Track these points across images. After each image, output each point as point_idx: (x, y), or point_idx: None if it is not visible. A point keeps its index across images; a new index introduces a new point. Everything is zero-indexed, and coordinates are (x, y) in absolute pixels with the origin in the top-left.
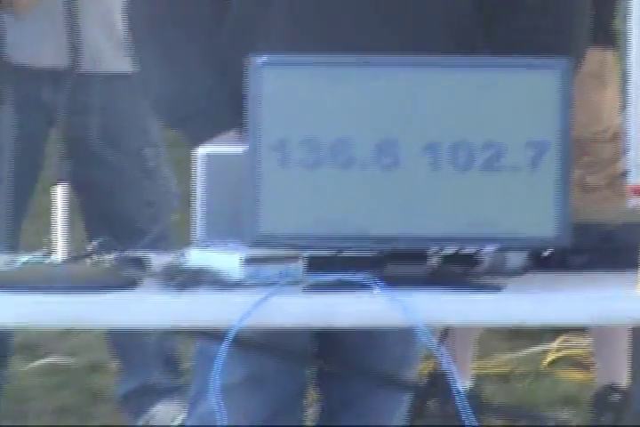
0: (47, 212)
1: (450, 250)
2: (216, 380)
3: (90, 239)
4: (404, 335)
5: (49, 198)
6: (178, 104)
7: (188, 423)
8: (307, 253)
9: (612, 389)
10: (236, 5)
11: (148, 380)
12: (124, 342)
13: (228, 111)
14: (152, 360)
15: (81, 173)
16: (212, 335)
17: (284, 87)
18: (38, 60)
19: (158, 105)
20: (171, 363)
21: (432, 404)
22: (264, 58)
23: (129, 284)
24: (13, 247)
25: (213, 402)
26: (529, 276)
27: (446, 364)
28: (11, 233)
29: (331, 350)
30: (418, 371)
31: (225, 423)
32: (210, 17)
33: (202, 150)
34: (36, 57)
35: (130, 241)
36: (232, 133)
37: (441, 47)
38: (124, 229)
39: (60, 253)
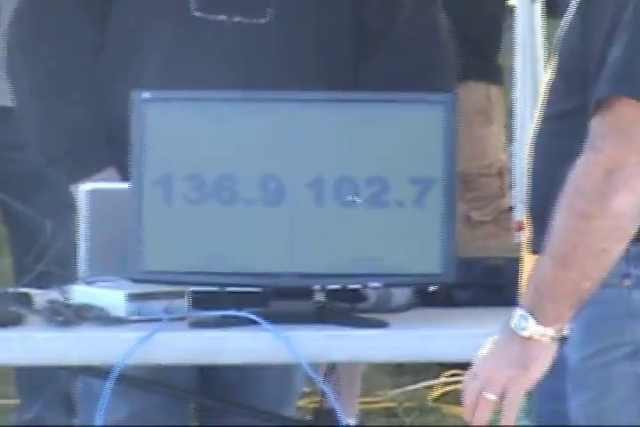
0: None
1: (335, 286)
2: (100, 417)
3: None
4: (284, 372)
5: None
6: (54, 141)
7: None
8: (191, 289)
9: None
10: (112, 40)
11: (40, 415)
12: (25, 376)
13: (107, 148)
14: (49, 396)
15: None
16: (97, 372)
17: (168, 123)
18: None
19: (36, 142)
20: (66, 400)
21: None
22: (147, 93)
23: (13, 320)
24: None
25: None
26: (414, 312)
27: (332, 400)
28: None
29: (212, 386)
30: (294, 407)
31: None
32: (90, 50)
33: (85, 186)
34: None
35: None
36: (110, 171)
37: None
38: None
39: None
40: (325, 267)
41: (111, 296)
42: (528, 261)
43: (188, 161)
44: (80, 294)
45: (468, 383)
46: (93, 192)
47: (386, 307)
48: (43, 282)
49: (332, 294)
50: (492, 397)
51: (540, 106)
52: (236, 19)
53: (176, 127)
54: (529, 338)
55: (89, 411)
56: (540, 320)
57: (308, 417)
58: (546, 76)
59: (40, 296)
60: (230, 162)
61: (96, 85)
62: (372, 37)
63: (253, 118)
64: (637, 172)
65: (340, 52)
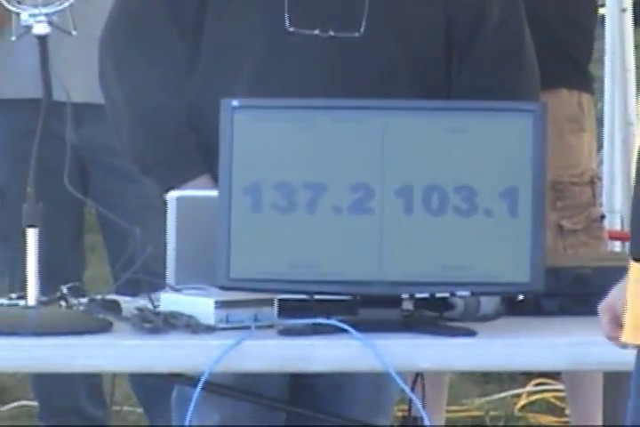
0: None
1: (423, 294)
2: (190, 423)
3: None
4: (376, 380)
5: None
6: (148, 150)
7: None
8: (280, 297)
9: None
10: (205, 52)
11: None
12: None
13: (199, 157)
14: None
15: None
16: (186, 379)
17: (256, 131)
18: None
19: (129, 151)
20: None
21: None
22: (236, 102)
23: (102, 328)
24: None
25: None
26: (502, 320)
27: (419, 408)
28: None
29: (303, 395)
30: (390, 416)
31: None
32: (182, 62)
33: (173, 194)
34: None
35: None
36: (204, 179)
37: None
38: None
39: (31, 296)
40: (414, 275)
41: (200, 304)
42: (633, 270)
43: (277, 169)
44: (169, 301)
45: None
46: (182, 199)
47: (473, 316)
48: (133, 289)
49: (420, 303)
50: None
51: None
52: (330, 33)
53: (265, 135)
54: None
55: (182, 417)
56: None
57: (396, 425)
58: None
59: (129, 304)
60: (319, 170)
61: (188, 96)
62: (460, 50)
63: (343, 126)
64: None
65: (431, 65)
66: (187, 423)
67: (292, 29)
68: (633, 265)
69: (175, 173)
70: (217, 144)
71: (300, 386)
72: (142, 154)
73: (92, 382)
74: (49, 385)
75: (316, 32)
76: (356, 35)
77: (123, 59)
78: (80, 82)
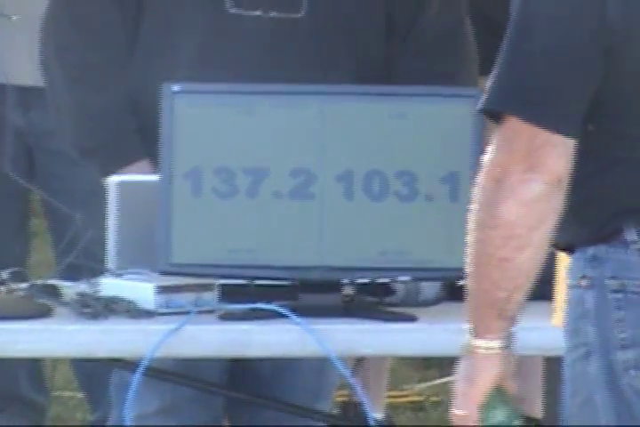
0: None
1: (364, 280)
2: (130, 410)
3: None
4: (318, 366)
5: None
6: (88, 134)
7: None
8: (220, 282)
9: (526, 420)
10: (145, 36)
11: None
12: (86, 374)
13: (139, 141)
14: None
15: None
16: (126, 364)
17: (197, 115)
18: None
19: (69, 134)
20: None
21: None
22: (176, 86)
23: (42, 313)
24: None
25: None
26: (443, 306)
27: (360, 394)
28: None
29: (244, 380)
30: (331, 401)
31: None
32: (123, 46)
33: (114, 178)
34: None
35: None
36: (143, 163)
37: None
38: None
39: None
40: (354, 260)
41: (140, 289)
42: (560, 258)
43: (217, 154)
44: (109, 286)
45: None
46: (123, 184)
47: (414, 301)
48: (77, 274)
49: (360, 288)
50: (458, 412)
51: None
52: (271, 14)
53: (206, 120)
54: (470, 352)
55: (122, 402)
56: (474, 333)
57: (336, 411)
58: None
59: (69, 288)
60: (260, 155)
61: (129, 80)
62: (399, 36)
63: (283, 111)
64: (522, 180)
65: (370, 50)
66: (126, 409)
67: (233, 11)
68: (560, 254)
69: (115, 157)
70: (156, 129)
71: (242, 371)
72: (82, 138)
73: (32, 368)
74: None
75: (258, 13)
76: (298, 15)
77: (64, 42)
78: (28, 66)
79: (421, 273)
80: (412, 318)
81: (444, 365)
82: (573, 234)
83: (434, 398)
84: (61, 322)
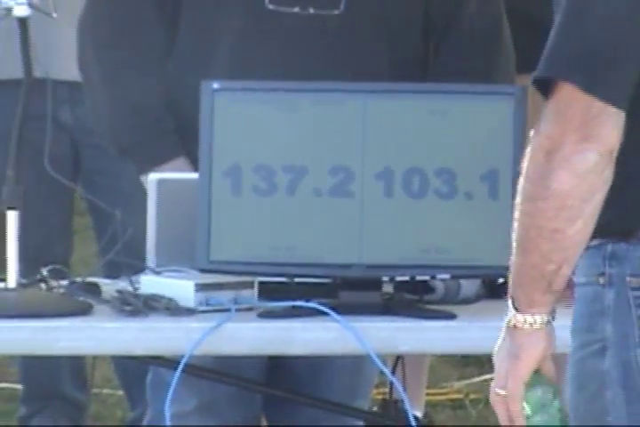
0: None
1: (403, 277)
2: (168, 408)
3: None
4: (355, 363)
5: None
6: (125, 131)
7: None
8: (260, 280)
9: None
10: (184, 34)
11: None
12: (126, 371)
13: (176, 139)
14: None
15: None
16: (165, 362)
17: (237, 113)
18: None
19: (106, 132)
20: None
21: None
22: (216, 84)
23: (83, 310)
24: None
25: None
26: (482, 304)
27: (399, 391)
28: None
29: (281, 379)
30: (369, 399)
31: None
32: (161, 45)
33: (154, 176)
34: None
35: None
36: (180, 161)
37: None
38: None
39: (12, 279)
40: (394, 258)
41: (180, 286)
42: None
43: (257, 152)
44: (149, 284)
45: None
46: (162, 182)
47: (454, 299)
48: (118, 272)
49: (400, 286)
50: (500, 391)
51: None
52: (310, 10)
53: (245, 117)
54: (514, 327)
55: (159, 401)
56: (518, 308)
57: (375, 408)
58: None
59: (109, 286)
60: (300, 152)
61: (166, 79)
62: (437, 36)
63: (324, 109)
64: (576, 151)
65: (409, 47)
66: (166, 408)
67: (271, 7)
68: None
69: (152, 155)
70: (194, 127)
71: (279, 369)
72: (120, 135)
73: (75, 366)
74: (34, 369)
75: (296, 10)
76: (336, 12)
77: (102, 40)
78: (75, 62)
79: (461, 271)
80: (451, 316)
81: (484, 362)
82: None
83: (473, 396)
84: (101, 320)
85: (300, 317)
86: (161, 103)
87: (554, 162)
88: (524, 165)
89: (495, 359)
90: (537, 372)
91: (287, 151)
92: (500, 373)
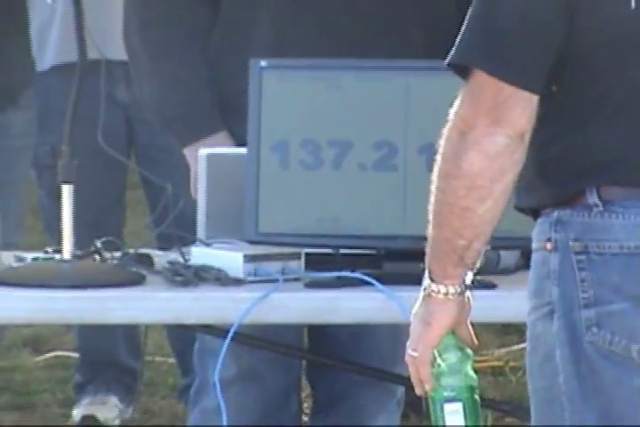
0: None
1: None
2: (216, 375)
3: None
4: (395, 331)
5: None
6: (168, 104)
7: (192, 418)
8: (306, 251)
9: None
10: (225, 10)
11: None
12: (177, 340)
13: (217, 113)
14: None
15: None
16: (215, 330)
17: (284, 90)
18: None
19: (150, 105)
20: None
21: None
22: (264, 62)
23: (135, 281)
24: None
25: (214, 397)
26: (522, 274)
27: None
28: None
29: (321, 345)
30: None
31: (225, 419)
32: (204, 21)
33: (204, 151)
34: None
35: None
36: (222, 135)
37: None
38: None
39: (66, 250)
40: None
41: (229, 257)
42: None
43: (303, 127)
44: (199, 255)
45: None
46: (212, 156)
47: (494, 269)
48: (166, 243)
49: None
50: (413, 353)
51: None
52: None
53: (292, 94)
54: (428, 295)
55: (204, 368)
56: (433, 278)
57: None
58: None
59: (161, 257)
60: (345, 128)
61: (209, 54)
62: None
63: (368, 85)
64: (486, 133)
65: (442, 22)
66: (215, 374)
67: None
68: None
69: (194, 129)
70: (235, 101)
71: (321, 337)
72: (163, 109)
73: (128, 334)
74: (90, 337)
75: None
76: None
77: (146, 17)
78: None
79: (501, 242)
80: (492, 286)
81: (524, 331)
82: (539, 198)
83: (513, 364)
84: (153, 290)
85: (345, 287)
86: (204, 78)
87: (466, 143)
88: (441, 142)
89: (411, 323)
90: (454, 335)
91: (332, 127)
92: (413, 336)
